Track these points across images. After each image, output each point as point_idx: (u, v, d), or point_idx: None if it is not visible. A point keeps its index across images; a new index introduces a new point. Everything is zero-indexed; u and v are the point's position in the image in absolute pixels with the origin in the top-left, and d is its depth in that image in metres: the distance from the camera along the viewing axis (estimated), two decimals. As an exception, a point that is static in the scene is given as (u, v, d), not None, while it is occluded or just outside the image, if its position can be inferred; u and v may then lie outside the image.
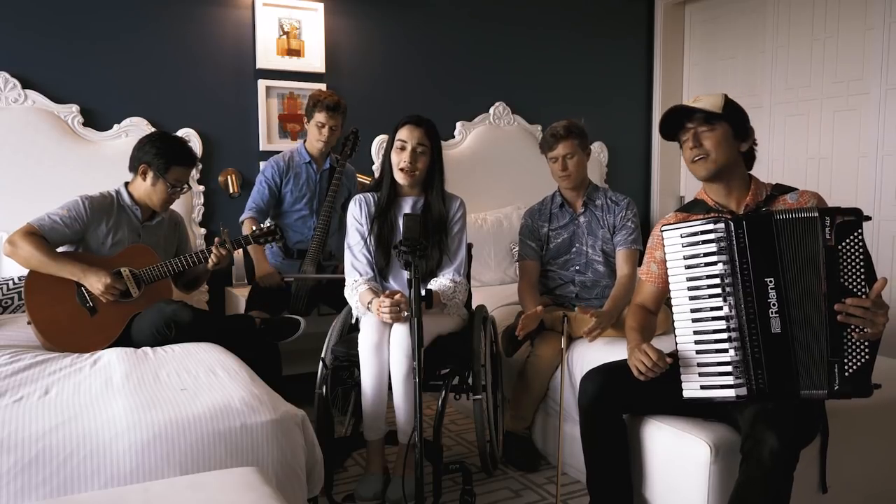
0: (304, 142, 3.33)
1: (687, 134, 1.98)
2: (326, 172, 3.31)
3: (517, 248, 3.74)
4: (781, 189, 2.01)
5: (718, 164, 1.96)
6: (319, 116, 3.20)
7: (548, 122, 4.43)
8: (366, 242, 2.52)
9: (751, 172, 2.06)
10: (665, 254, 1.95)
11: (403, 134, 2.45)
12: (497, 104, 4.32)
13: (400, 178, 2.47)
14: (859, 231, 1.77)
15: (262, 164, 3.41)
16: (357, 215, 2.54)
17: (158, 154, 2.56)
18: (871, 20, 3.77)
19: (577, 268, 2.84)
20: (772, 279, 1.82)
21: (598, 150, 4.61)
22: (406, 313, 2.26)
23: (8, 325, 2.63)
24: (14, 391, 1.87)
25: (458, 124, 4.21)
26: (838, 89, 3.98)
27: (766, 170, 4.16)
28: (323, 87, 3.77)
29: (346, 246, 2.55)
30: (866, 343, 1.77)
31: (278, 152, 3.39)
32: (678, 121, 1.99)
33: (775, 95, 4.22)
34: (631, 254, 2.77)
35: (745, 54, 4.47)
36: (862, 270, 1.76)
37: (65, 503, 1.40)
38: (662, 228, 1.97)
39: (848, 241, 1.77)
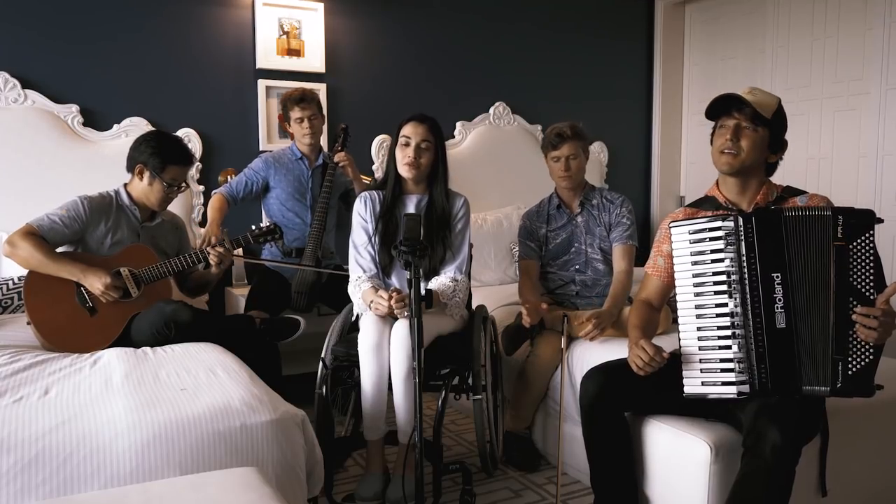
0: (294, 142, 3.36)
1: (729, 122, 1.96)
2: (319, 168, 3.33)
3: (517, 249, 3.76)
4: (792, 191, 2.02)
5: (745, 165, 1.95)
6: (295, 113, 3.24)
7: (548, 122, 4.43)
8: (370, 240, 2.53)
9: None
10: (672, 249, 1.95)
11: (407, 130, 2.47)
12: (497, 104, 4.32)
13: (404, 171, 2.48)
14: (871, 232, 1.77)
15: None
16: (363, 213, 2.55)
17: (154, 153, 2.56)
18: (871, 20, 3.77)
19: (577, 267, 2.85)
20: (778, 275, 1.82)
21: (598, 150, 4.61)
22: (406, 312, 2.26)
23: (8, 325, 2.63)
24: (14, 391, 1.86)
25: (458, 124, 4.21)
26: (838, 89, 3.98)
27: (766, 170, 4.16)
28: (323, 87, 3.78)
29: (350, 243, 2.56)
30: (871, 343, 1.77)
31: (278, 152, 3.41)
32: (726, 105, 1.97)
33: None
34: (627, 249, 2.78)
35: (745, 54, 4.47)
36: (871, 271, 1.76)
37: (65, 503, 1.40)
38: (671, 224, 1.97)
39: (859, 241, 1.77)
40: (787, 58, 4.20)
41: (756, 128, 1.93)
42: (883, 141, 3.72)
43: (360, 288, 2.45)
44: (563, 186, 2.86)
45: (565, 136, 2.77)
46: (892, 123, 3.67)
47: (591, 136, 2.94)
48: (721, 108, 1.98)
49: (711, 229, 1.88)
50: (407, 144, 2.46)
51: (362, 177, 3.47)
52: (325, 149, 3.52)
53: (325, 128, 3.49)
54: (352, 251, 2.56)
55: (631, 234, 2.80)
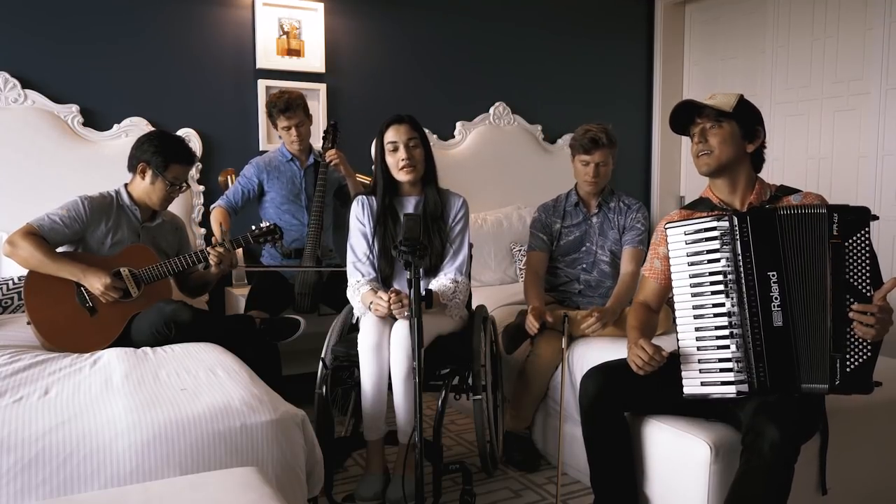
0: (284, 144, 3.35)
1: (696, 129, 2.01)
2: (311, 168, 3.32)
3: (519, 248, 3.77)
4: (786, 190, 2.02)
5: (720, 161, 1.97)
6: (281, 122, 3.24)
7: (548, 122, 4.48)
8: (369, 246, 2.52)
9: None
10: (668, 251, 1.95)
11: (391, 135, 2.45)
12: (497, 104, 4.32)
13: (403, 176, 2.46)
14: (867, 229, 1.78)
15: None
16: (360, 216, 2.54)
17: (157, 152, 2.57)
18: (871, 20, 3.77)
19: (584, 266, 2.85)
20: (774, 273, 1.83)
21: (599, 150, 4.61)
22: (406, 313, 2.26)
23: (8, 325, 2.63)
24: (14, 391, 1.86)
25: (458, 124, 4.21)
26: (838, 89, 3.98)
27: (766, 170, 4.08)
28: (322, 87, 3.78)
29: (348, 247, 2.56)
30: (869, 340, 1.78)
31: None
32: (690, 115, 2.02)
33: (775, 95, 4.22)
34: (636, 253, 2.80)
35: (745, 54, 4.47)
36: (868, 268, 1.77)
37: (65, 503, 1.40)
38: (666, 225, 1.98)
39: (855, 238, 1.78)
40: (787, 58, 4.19)
41: (720, 124, 1.97)
42: (883, 141, 3.72)
43: (358, 292, 2.45)
44: (587, 190, 2.86)
45: (601, 143, 2.75)
46: (892, 123, 3.68)
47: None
48: (685, 119, 2.03)
49: (707, 229, 1.90)
50: (396, 149, 2.45)
51: (361, 176, 3.47)
52: (318, 146, 3.51)
53: (316, 127, 3.48)
54: (350, 256, 2.54)
55: (642, 238, 2.83)
